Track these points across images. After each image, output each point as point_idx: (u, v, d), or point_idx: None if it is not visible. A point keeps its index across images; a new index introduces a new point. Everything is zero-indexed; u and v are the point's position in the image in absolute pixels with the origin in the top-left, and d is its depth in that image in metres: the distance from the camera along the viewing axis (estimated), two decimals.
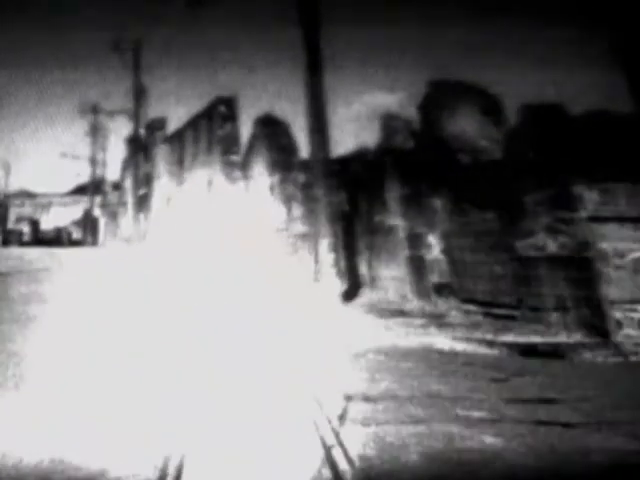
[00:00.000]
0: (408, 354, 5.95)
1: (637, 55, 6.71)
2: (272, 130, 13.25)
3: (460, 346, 6.19)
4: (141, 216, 21.43)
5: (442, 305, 7.78)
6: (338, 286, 8.22)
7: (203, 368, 5.13)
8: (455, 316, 7.31)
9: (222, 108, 15.90)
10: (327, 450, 3.52)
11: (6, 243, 36.00)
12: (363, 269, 9.15)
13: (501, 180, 7.50)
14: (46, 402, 4.13)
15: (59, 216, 40.70)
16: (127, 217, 24.37)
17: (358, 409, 4.17)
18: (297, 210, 11.45)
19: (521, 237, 7.08)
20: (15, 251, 22.59)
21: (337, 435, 3.74)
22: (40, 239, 38.12)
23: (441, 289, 7.96)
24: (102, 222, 30.54)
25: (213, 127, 16.69)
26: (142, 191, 21.71)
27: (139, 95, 21.16)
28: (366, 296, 8.64)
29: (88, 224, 31.72)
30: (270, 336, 6.44)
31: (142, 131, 22.10)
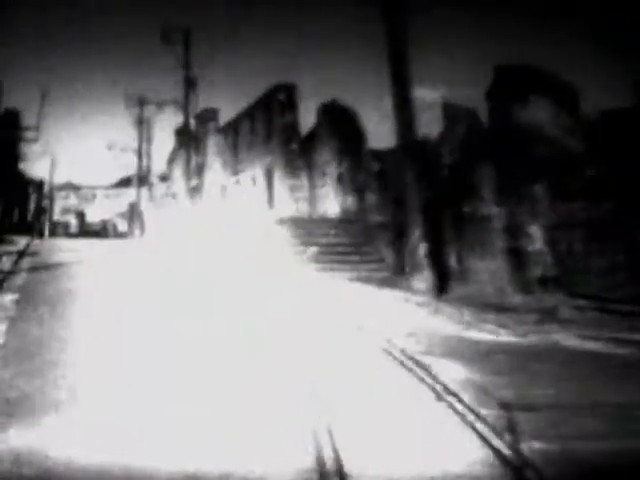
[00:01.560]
0: (537, 353, 5.47)
1: None
2: (338, 117, 12.82)
3: (590, 345, 5.69)
4: (191, 207, 21.33)
5: (548, 300, 7.25)
6: (431, 278, 7.79)
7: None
8: (567, 312, 6.78)
9: (281, 95, 15.51)
10: (516, 472, 3.09)
11: (53, 234, 36.67)
12: (452, 261, 8.69)
13: (616, 164, 6.92)
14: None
15: (104, 208, 41.31)
16: (176, 209, 24.40)
17: (523, 420, 3.72)
18: (371, 199, 11.04)
19: None
20: (64, 242, 22.84)
21: (518, 452, 3.31)
22: (86, 231, 38.75)
23: (546, 283, 7.44)
24: (148, 214, 30.70)
25: (271, 115, 16.27)
26: (193, 182, 21.64)
27: (189, 85, 20.99)
28: (459, 289, 8.18)
29: (134, 216, 32.01)
30: (393, 332, 6.01)
31: (192, 122, 21.96)
